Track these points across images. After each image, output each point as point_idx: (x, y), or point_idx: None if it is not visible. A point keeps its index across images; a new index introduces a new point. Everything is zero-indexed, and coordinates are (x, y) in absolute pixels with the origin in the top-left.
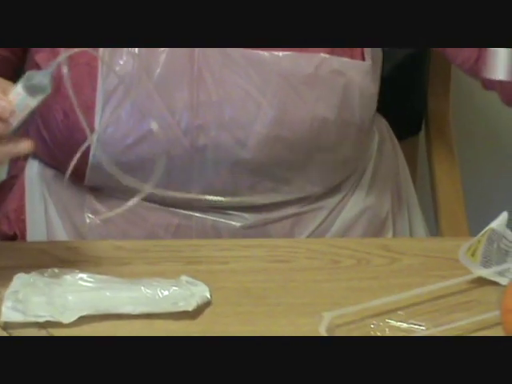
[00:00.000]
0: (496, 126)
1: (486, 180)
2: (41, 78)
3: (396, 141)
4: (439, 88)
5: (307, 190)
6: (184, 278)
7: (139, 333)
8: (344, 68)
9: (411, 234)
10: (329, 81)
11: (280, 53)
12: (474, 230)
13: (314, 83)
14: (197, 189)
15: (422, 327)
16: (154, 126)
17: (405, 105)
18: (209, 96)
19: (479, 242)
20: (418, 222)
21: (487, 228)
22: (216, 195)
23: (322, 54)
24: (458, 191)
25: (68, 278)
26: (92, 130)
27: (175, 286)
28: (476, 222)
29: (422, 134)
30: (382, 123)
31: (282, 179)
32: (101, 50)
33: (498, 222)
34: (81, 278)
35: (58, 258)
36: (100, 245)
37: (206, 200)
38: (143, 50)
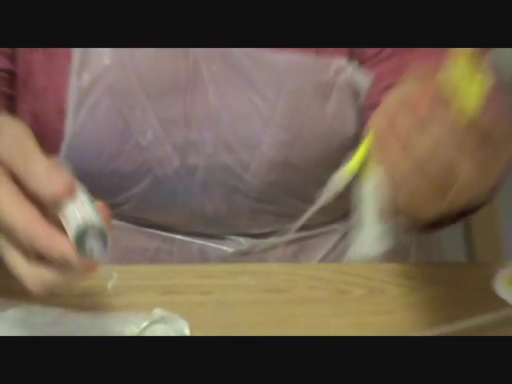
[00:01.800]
0: None
1: None
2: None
3: None
4: None
5: (321, 217)
6: (158, 311)
7: None
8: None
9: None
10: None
11: (293, 54)
12: None
13: (332, 92)
14: (181, 214)
15: None
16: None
17: None
18: (206, 104)
19: None
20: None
21: None
22: (204, 223)
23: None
24: (494, 204)
25: (11, 313)
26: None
27: (147, 322)
28: None
29: None
30: None
31: (290, 208)
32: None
33: None
34: (28, 313)
35: None
36: None
37: (191, 226)
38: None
